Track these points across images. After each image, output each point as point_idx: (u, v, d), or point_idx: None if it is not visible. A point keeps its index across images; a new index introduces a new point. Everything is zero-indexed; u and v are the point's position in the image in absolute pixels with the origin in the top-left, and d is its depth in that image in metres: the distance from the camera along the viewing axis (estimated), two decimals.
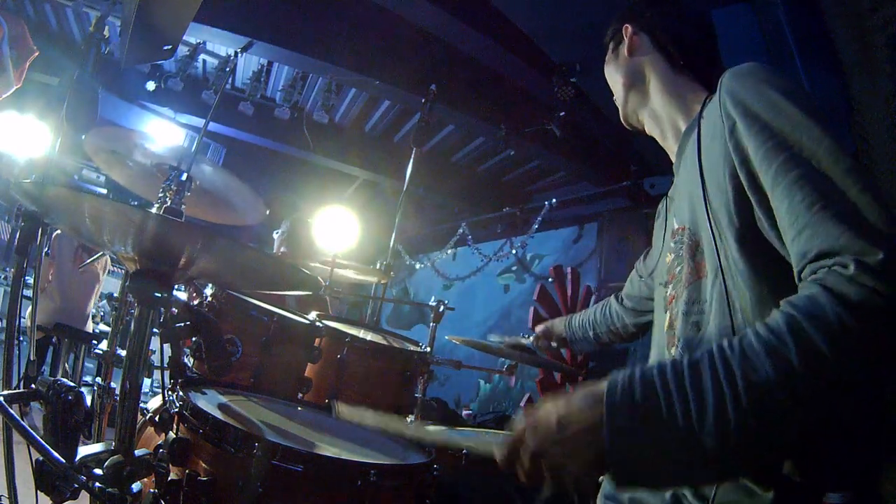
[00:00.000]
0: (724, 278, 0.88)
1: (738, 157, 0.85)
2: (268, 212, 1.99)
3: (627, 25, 1.19)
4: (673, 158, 1.15)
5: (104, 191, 6.19)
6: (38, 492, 0.96)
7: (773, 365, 0.65)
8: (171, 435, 1.11)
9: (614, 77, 1.23)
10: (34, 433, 0.96)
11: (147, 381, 4.76)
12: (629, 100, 1.20)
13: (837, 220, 0.70)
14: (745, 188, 0.84)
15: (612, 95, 1.27)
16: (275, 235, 3.58)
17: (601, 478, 1.08)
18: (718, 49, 1.20)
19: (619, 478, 0.69)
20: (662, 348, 1.06)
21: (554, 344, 1.79)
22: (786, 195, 0.76)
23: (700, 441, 0.65)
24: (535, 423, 0.74)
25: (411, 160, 2.99)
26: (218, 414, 1.13)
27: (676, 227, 1.05)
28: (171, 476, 1.06)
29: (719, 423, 0.65)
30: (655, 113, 1.17)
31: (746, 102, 0.85)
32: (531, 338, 1.86)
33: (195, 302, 1.73)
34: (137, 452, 1.04)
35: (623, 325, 1.59)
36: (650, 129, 1.20)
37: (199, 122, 5.96)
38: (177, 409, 1.14)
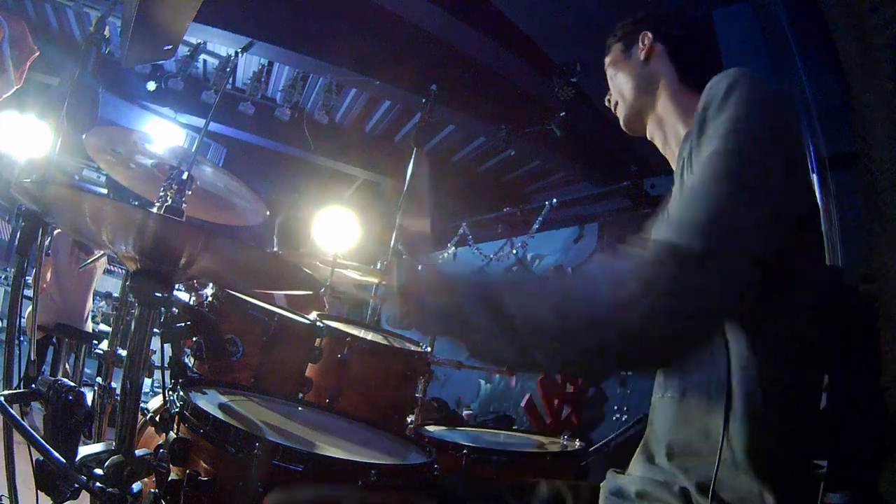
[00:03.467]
0: None
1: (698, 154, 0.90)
2: (268, 212, 1.99)
3: (648, 33, 1.20)
4: (673, 165, 1.16)
5: (105, 191, 6.19)
6: (39, 492, 0.96)
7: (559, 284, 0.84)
8: (172, 435, 1.11)
9: (622, 77, 1.23)
10: (35, 433, 0.96)
11: (147, 381, 4.76)
12: (636, 103, 1.21)
13: (679, 225, 0.77)
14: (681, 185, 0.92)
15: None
16: (273, 237, 3.59)
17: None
18: (721, 63, 1.22)
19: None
20: None
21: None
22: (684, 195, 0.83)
23: (501, 307, 0.79)
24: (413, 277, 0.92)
25: (412, 160, 2.99)
26: (218, 414, 1.13)
27: None
28: (172, 476, 1.06)
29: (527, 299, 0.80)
30: (661, 119, 1.19)
31: (716, 99, 0.89)
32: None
33: (195, 301, 1.74)
34: (138, 452, 1.04)
35: None
36: (652, 134, 1.22)
37: (199, 122, 5.97)
38: (177, 409, 1.14)
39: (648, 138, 1.24)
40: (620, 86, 1.23)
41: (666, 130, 1.18)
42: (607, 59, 1.28)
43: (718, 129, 0.83)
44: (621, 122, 1.26)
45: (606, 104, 1.30)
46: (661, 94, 1.18)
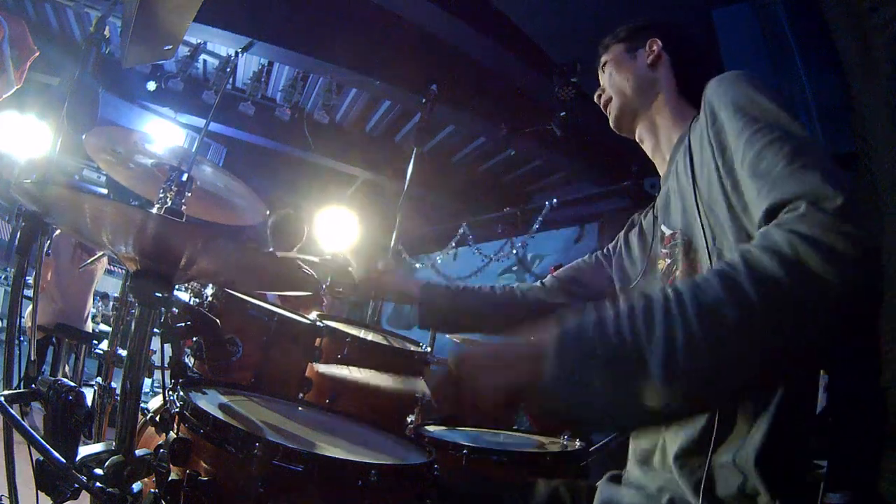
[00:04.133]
0: None
1: (717, 142, 0.92)
2: (268, 212, 1.99)
3: (658, 40, 1.23)
4: (661, 169, 1.19)
5: (105, 191, 6.19)
6: (39, 492, 0.96)
7: (724, 288, 0.64)
8: (172, 435, 1.11)
9: (622, 76, 1.25)
10: (35, 433, 0.96)
11: (147, 381, 4.77)
12: (632, 103, 1.24)
13: (795, 175, 0.73)
14: (721, 168, 0.90)
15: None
16: (268, 237, 3.59)
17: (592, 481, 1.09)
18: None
19: (556, 402, 0.67)
20: None
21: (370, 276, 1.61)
22: (750, 165, 0.81)
23: (646, 363, 0.62)
24: (466, 354, 0.75)
25: (412, 160, 2.99)
26: (219, 414, 1.13)
27: (668, 233, 1.08)
28: (172, 476, 1.06)
29: (668, 344, 0.62)
30: (654, 123, 1.22)
31: (726, 97, 0.92)
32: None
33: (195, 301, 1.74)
34: (138, 452, 1.04)
35: (535, 300, 1.46)
36: (642, 137, 1.25)
37: (199, 122, 5.97)
38: (177, 409, 1.14)
39: (637, 140, 1.27)
40: (619, 84, 1.25)
41: (659, 135, 1.21)
42: (605, 57, 1.30)
43: (754, 110, 0.86)
44: (611, 119, 1.28)
45: (596, 100, 1.32)
46: (659, 99, 1.21)
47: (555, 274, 1.51)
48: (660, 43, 1.23)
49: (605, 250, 1.44)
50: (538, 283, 1.51)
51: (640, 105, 1.23)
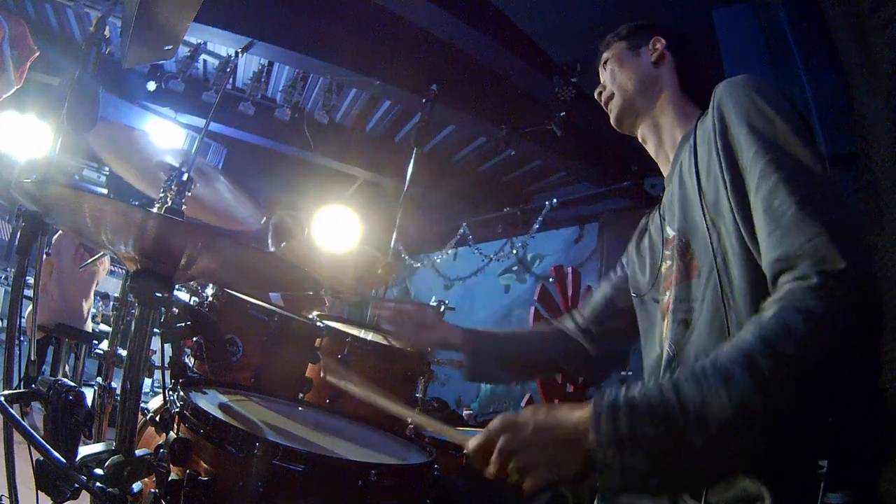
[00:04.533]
0: (718, 275, 0.91)
1: (726, 158, 0.91)
2: (264, 219, 1.98)
3: (662, 39, 1.23)
4: (664, 169, 1.18)
5: (105, 190, 6.19)
6: (39, 492, 0.96)
7: (748, 379, 0.70)
8: (172, 435, 1.11)
9: (625, 74, 1.24)
10: (35, 433, 0.96)
11: (148, 381, 4.77)
12: (633, 101, 1.23)
13: (804, 226, 0.76)
14: (729, 185, 0.90)
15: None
16: (268, 238, 3.59)
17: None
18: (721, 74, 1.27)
19: (607, 485, 0.73)
20: (657, 353, 1.07)
21: (404, 320, 1.50)
22: (764, 200, 0.82)
23: (681, 453, 0.70)
24: (514, 423, 0.77)
25: (412, 160, 2.99)
26: (219, 414, 1.13)
27: (671, 235, 1.07)
28: (172, 476, 1.06)
29: (700, 437, 0.69)
30: (657, 123, 1.21)
31: (740, 108, 0.91)
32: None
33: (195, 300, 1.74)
34: (138, 452, 1.04)
35: (585, 358, 1.42)
36: (644, 136, 1.25)
37: (199, 122, 5.97)
38: (177, 409, 1.14)
39: (639, 139, 1.26)
40: (621, 81, 1.24)
41: (662, 134, 1.20)
42: (607, 54, 1.29)
43: (769, 135, 0.87)
44: (613, 116, 1.27)
45: (596, 97, 1.32)
46: (662, 98, 1.20)
47: (585, 315, 1.43)
48: (664, 41, 1.23)
49: (617, 267, 1.41)
50: (575, 325, 1.44)
51: (642, 103, 1.22)
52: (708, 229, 0.94)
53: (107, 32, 2.00)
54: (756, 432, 0.70)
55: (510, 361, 1.45)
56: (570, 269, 5.44)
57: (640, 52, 1.25)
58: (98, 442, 1.37)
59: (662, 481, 0.72)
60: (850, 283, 0.71)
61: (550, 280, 5.47)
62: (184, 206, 1.60)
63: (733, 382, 0.70)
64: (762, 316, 0.74)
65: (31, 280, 1.83)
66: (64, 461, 0.95)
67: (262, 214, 1.95)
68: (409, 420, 1.27)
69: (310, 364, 1.73)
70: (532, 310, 5.20)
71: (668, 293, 1.06)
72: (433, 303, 2.36)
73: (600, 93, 1.30)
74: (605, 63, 1.30)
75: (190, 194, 1.62)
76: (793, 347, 0.70)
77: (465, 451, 0.81)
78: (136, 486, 1.02)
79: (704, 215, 0.95)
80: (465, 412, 5.87)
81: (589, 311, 1.44)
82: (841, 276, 0.71)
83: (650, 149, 1.25)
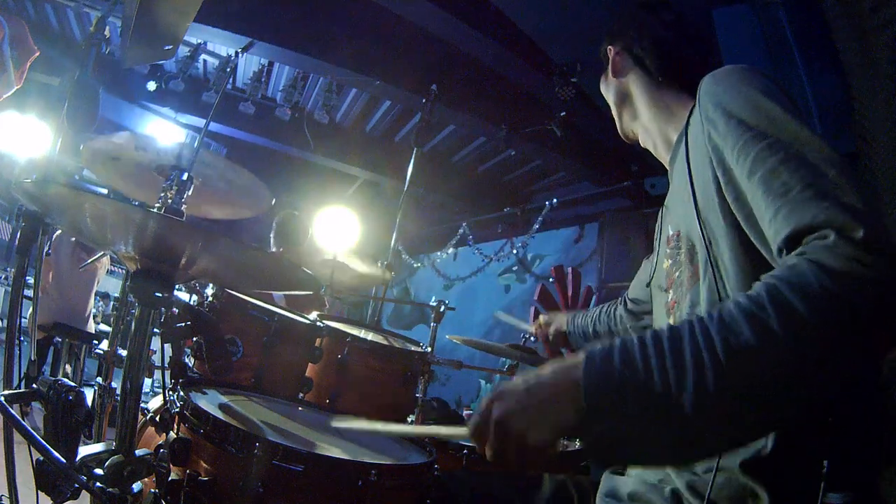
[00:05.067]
0: (714, 278, 0.90)
1: (716, 156, 0.87)
2: (273, 201, 1.96)
3: (610, 47, 1.23)
4: (667, 168, 1.17)
5: (105, 190, 6.19)
6: (39, 492, 0.96)
7: (753, 330, 0.63)
8: (172, 435, 1.11)
9: (607, 96, 1.27)
10: (35, 433, 0.96)
11: (148, 381, 4.76)
12: (622, 117, 1.25)
13: (817, 199, 0.69)
14: (722, 182, 0.86)
15: None
16: (270, 236, 3.59)
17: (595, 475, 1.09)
18: (710, 53, 1.24)
19: (594, 446, 0.68)
20: None
21: (550, 335, 1.78)
22: (763, 181, 0.76)
23: (680, 407, 0.62)
24: (502, 390, 0.72)
25: (412, 160, 2.99)
26: (219, 414, 1.13)
27: (671, 233, 1.07)
28: (172, 476, 1.06)
29: (699, 389, 0.62)
30: (645, 127, 1.20)
31: (724, 103, 0.87)
32: (531, 325, 1.88)
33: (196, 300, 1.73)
34: (138, 452, 1.04)
35: (624, 328, 1.57)
36: (644, 142, 1.24)
37: (199, 122, 5.97)
38: (177, 409, 1.14)
39: (643, 146, 1.25)
40: (609, 101, 1.27)
41: (654, 137, 1.19)
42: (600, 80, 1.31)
43: (760, 121, 0.81)
44: (621, 135, 1.30)
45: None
46: (638, 102, 1.19)
47: (631, 297, 1.56)
48: (612, 48, 1.22)
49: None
50: (623, 311, 1.59)
51: (628, 116, 1.24)
52: (701, 230, 0.92)
53: (107, 32, 2.00)
54: (753, 395, 0.63)
55: (588, 330, 1.68)
56: (570, 269, 5.44)
57: (606, 66, 1.25)
58: (98, 442, 1.37)
59: (652, 438, 0.66)
60: (871, 249, 0.63)
61: (550, 280, 5.47)
62: (184, 207, 1.60)
63: (734, 330, 0.63)
64: (773, 271, 0.69)
65: (31, 280, 1.83)
66: (64, 461, 0.95)
67: (270, 196, 1.94)
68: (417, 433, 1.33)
69: (310, 364, 1.73)
70: (532, 310, 5.20)
71: (670, 292, 1.06)
72: (433, 303, 2.36)
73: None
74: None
75: (190, 193, 1.62)
76: (803, 301, 0.62)
77: (469, 436, 0.75)
78: (136, 486, 1.02)
79: (698, 216, 0.93)
80: (466, 412, 5.87)
81: (630, 291, 1.56)
82: (860, 241, 0.64)
83: (652, 151, 1.23)
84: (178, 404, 1.15)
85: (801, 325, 0.62)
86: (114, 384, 1.89)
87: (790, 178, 0.73)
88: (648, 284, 1.23)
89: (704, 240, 0.92)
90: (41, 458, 0.94)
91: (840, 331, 0.63)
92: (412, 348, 2.05)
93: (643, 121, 1.20)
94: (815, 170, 0.72)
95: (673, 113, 1.14)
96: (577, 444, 1.83)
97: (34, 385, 1.08)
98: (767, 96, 0.83)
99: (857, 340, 0.63)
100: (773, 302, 0.64)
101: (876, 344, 0.64)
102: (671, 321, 1.05)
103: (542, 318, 1.83)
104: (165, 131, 5.91)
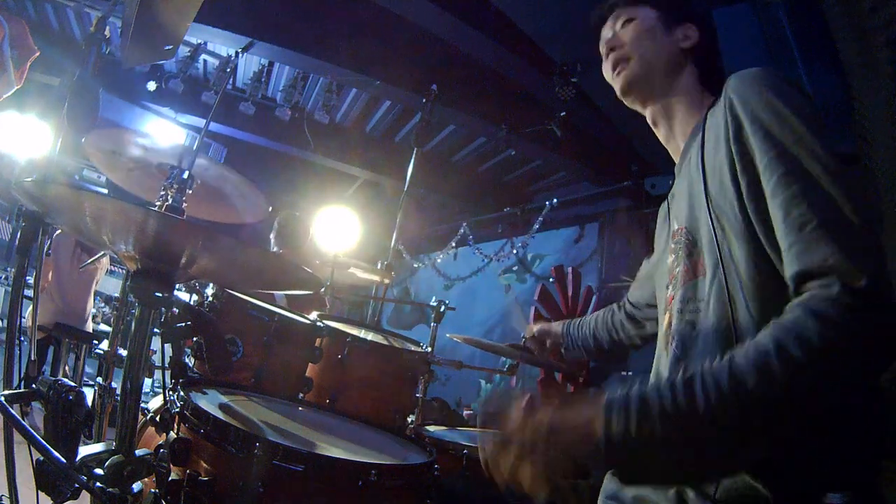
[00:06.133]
0: (724, 274, 0.90)
1: (741, 160, 0.88)
2: (270, 208, 1.98)
3: (695, 28, 1.16)
4: (675, 157, 1.15)
5: (105, 190, 6.19)
6: (39, 492, 0.96)
7: (759, 381, 0.71)
8: (172, 435, 1.11)
9: (654, 46, 1.15)
10: (35, 433, 0.96)
11: (148, 381, 4.76)
12: (653, 78, 1.14)
13: (827, 241, 0.75)
14: (745, 190, 0.87)
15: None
16: (271, 237, 3.59)
17: (592, 481, 1.08)
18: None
19: (621, 476, 0.77)
20: (661, 349, 1.07)
21: (547, 347, 1.76)
22: (782, 207, 0.81)
23: (692, 449, 0.72)
24: (526, 420, 0.77)
25: (412, 160, 2.99)
26: (219, 414, 1.13)
27: (676, 228, 1.07)
28: (172, 476, 1.06)
29: (710, 435, 0.72)
30: (671, 109, 1.15)
31: (753, 108, 0.88)
32: (523, 338, 1.83)
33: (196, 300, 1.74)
34: (138, 452, 1.04)
35: (627, 335, 1.54)
36: (655, 119, 1.18)
37: (199, 122, 5.97)
38: (178, 409, 1.14)
39: (648, 119, 1.20)
40: (647, 51, 1.14)
41: (674, 122, 1.15)
42: (630, 12, 1.19)
43: (786, 139, 0.84)
44: (623, 81, 1.16)
45: (604, 51, 1.21)
46: (682, 85, 1.14)
47: (632, 301, 1.52)
48: (697, 32, 1.16)
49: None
50: (624, 317, 1.55)
51: (661, 83, 1.14)
52: (713, 227, 0.92)
53: (107, 32, 2.00)
54: (760, 437, 0.73)
55: (589, 342, 1.65)
56: (570, 269, 5.44)
57: (673, 30, 1.15)
58: (98, 442, 1.37)
59: (666, 475, 0.76)
60: (869, 299, 0.72)
61: (550, 280, 5.47)
62: (184, 205, 1.60)
63: (744, 384, 0.71)
64: (781, 319, 0.75)
65: (31, 280, 1.83)
66: (64, 461, 0.95)
67: (267, 204, 1.94)
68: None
69: (310, 364, 1.73)
70: (532, 310, 5.20)
71: (670, 287, 1.06)
72: (434, 303, 2.36)
73: (612, 48, 1.18)
74: (625, 21, 1.18)
75: (191, 192, 1.62)
76: (804, 351, 0.71)
77: (483, 457, 0.81)
78: (137, 486, 1.02)
79: (709, 213, 0.93)
80: (466, 412, 5.87)
81: (631, 294, 1.53)
82: (860, 292, 0.72)
83: (660, 135, 1.19)
84: (179, 404, 1.15)
85: (802, 374, 0.71)
86: (114, 384, 1.89)
87: (806, 211, 0.78)
88: (651, 279, 1.24)
89: (715, 236, 0.92)
90: (41, 458, 0.94)
91: (838, 372, 0.72)
92: (412, 348, 2.05)
93: (673, 101, 1.14)
94: (829, 205, 0.77)
95: (699, 106, 1.11)
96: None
97: (34, 385, 1.08)
98: (794, 112, 0.86)
99: (853, 376, 0.74)
100: (778, 354, 0.71)
101: (871, 372, 0.75)
102: (667, 316, 1.05)
103: (535, 329, 1.79)
104: (165, 131, 5.92)
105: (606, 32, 1.22)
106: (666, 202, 1.19)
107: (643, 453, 0.72)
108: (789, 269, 0.79)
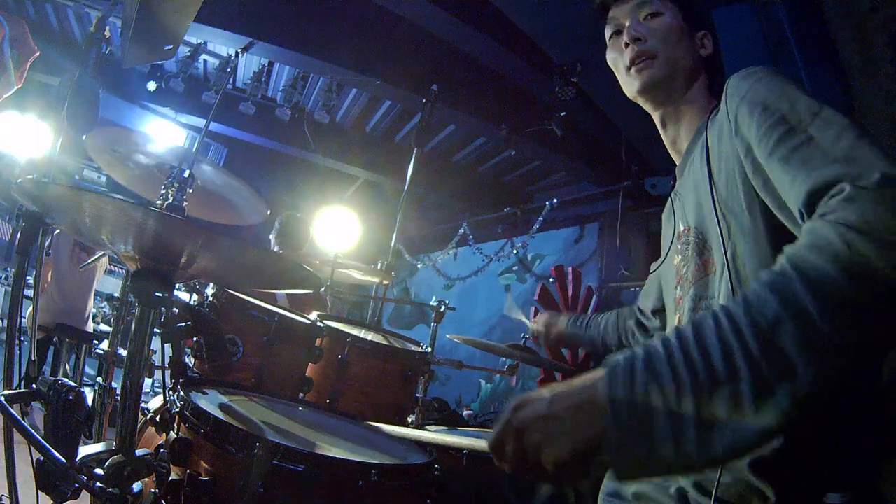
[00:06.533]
0: (730, 272, 0.90)
1: (742, 146, 0.87)
2: (269, 211, 1.98)
3: (710, 38, 1.16)
4: (677, 159, 1.16)
5: (105, 190, 6.19)
6: (39, 492, 0.96)
7: (780, 301, 0.59)
8: (172, 435, 1.11)
9: (681, 47, 1.12)
10: (35, 433, 0.96)
11: (148, 381, 4.76)
12: (674, 80, 1.11)
13: (830, 160, 0.69)
14: (750, 175, 0.86)
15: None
16: (271, 237, 3.59)
17: (592, 475, 1.08)
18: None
19: (618, 457, 0.62)
20: None
21: (551, 338, 1.75)
22: (784, 157, 0.76)
23: (711, 404, 0.58)
24: (524, 400, 0.69)
25: (412, 160, 2.99)
26: (219, 414, 1.13)
27: (682, 228, 1.07)
28: (172, 476, 1.06)
29: (730, 379, 0.58)
30: (681, 112, 1.14)
31: (750, 94, 0.88)
32: (529, 324, 1.85)
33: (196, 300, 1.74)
34: (138, 452, 1.04)
35: (637, 342, 1.51)
36: (665, 120, 1.17)
37: (199, 122, 5.97)
38: (178, 409, 1.14)
39: (657, 120, 1.18)
40: (674, 52, 1.10)
41: (681, 125, 1.14)
42: (659, 6, 1.12)
43: (782, 105, 0.82)
44: (647, 77, 1.10)
45: (631, 41, 1.11)
46: (696, 90, 1.13)
47: (641, 309, 1.46)
48: (712, 43, 1.16)
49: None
50: (634, 326, 1.50)
51: (681, 86, 1.11)
52: (719, 225, 0.92)
53: (107, 32, 2.00)
54: (786, 378, 0.57)
55: (598, 342, 1.63)
56: (570, 269, 5.44)
57: (694, 35, 1.14)
58: (98, 442, 1.37)
59: (676, 449, 0.59)
60: (892, 183, 0.61)
61: (550, 280, 5.47)
62: (185, 204, 1.60)
63: (761, 309, 0.59)
64: (797, 242, 0.65)
65: (31, 280, 1.83)
66: (64, 461, 0.95)
67: (266, 208, 1.95)
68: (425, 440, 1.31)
69: (310, 364, 1.73)
70: (532, 310, 5.20)
71: (678, 288, 1.06)
72: (434, 303, 2.36)
73: (637, 39, 1.10)
74: (654, 14, 1.12)
75: (191, 191, 1.62)
76: (827, 265, 0.59)
77: (488, 448, 0.73)
78: (137, 486, 1.02)
79: (716, 210, 0.93)
80: (466, 412, 5.87)
81: (640, 302, 1.47)
82: (879, 181, 0.62)
83: (666, 137, 1.19)
84: (179, 404, 1.14)
85: (830, 285, 0.58)
86: (114, 384, 1.89)
87: (811, 152, 0.73)
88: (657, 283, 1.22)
89: (720, 228, 0.92)
90: (41, 458, 0.94)
91: (870, 281, 0.58)
92: (412, 348, 2.05)
93: (684, 105, 1.13)
94: (832, 138, 0.72)
95: (704, 111, 1.11)
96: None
97: (34, 385, 1.08)
98: (790, 84, 0.85)
99: (888, 289, 0.58)
100: (796, 268, 0.60)
101: None
102: (677, 317, 1.05)
103: (540, 320, 1.78)
104: (165, 131, 5.92)
105: (623, 16, 1.14)
106: (669, 204, 1.19)
107: (651, 413, 0.60)
108: (797, 203, 0.71)
